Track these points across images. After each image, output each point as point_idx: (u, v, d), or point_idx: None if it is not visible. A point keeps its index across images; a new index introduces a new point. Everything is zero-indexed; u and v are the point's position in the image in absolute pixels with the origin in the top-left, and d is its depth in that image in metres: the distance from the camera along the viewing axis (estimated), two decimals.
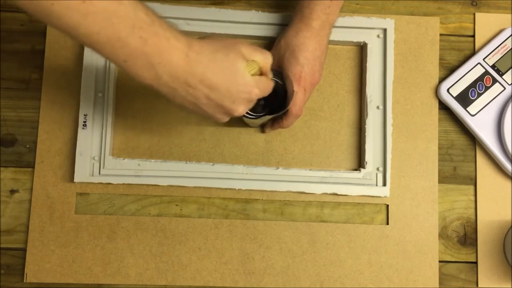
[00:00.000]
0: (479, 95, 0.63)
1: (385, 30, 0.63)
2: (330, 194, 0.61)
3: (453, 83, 0.63)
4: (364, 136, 0.61)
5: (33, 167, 0.61)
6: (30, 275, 0.59)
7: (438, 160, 0.63)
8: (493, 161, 0.63)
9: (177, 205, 0.61)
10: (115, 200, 0.61)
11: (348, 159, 0.63)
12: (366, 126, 0.61)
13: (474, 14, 0.66)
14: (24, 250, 0.60)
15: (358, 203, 0.62)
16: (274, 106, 0.55)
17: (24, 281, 0.59)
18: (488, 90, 0.63)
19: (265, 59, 0.46)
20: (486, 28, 0.65)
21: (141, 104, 0.62)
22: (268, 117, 0.56)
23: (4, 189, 0.61)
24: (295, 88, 0.55)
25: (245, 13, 0.62)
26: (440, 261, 0.61)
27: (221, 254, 0.60)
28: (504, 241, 0.62)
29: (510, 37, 0.63)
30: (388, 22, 0.63)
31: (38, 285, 0.59)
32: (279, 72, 0.55)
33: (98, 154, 0.60)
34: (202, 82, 0.42)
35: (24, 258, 0.59)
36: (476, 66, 0.63)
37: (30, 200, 0.60)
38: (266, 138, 0.63)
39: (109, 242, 0.60)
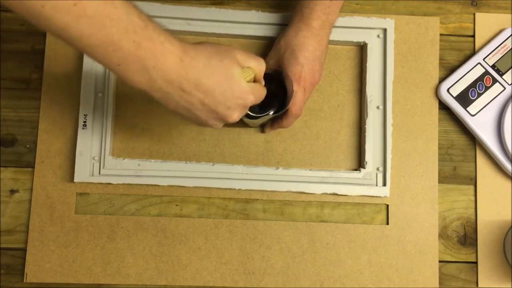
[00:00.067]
0: (479, 95, 0.63)
1: (385, 30, 0.63)
2: (330, 194, 0.61)
3: (453, 83, 0.63)
4: (364, 136, 0.61)
5: (33, 167, 0.61)
6: (30, 275, 0.59)
7: (438, 160, 0.63)
8: (493, 161, 0.63)
9: (177, 205, 0.61)
10: (115, 200, 0.61)
11: (348, 159, 0.63)
12: (366, 126, 0.61)
13: (474, 14, 0.66)
14: (24, 250, 0.60)
15: (358, 203, 0.62)
16: (274, 106, 0.55)
17: (24, 281, 0.59)
18: (488, 90, 0.63)
19: (259, 66, 0.46)
20: (486, 28, 0.65)
21: (141, 104, 0.62)
22: (268, 117, 0.55)
23: (4, 189, 0.61)
24: (295, 88, 0.55)
25: (245, 13, 0.62)
26: (440, 261, 0.61)
27: (221, 254, 0.60)
28: (504, 241, 0.62)
29: (510, 37, 0.63)
30: (388, 22, 0.63)
31: (38, 285, 0.59)
32: (279, 72, 0.55)
33: (98, 154, 0.60)
34: (197, 87, 0.42)
35: (24, 258, 0.59)
36: (476, 66, 0.63)
37: (30, 200, 0.60)
38: (266, 138, 0.63)
39: (109, 242, 0.60)
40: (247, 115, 0.54)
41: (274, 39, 0.60)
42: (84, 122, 0.60)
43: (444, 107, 0.64)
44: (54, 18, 0.36)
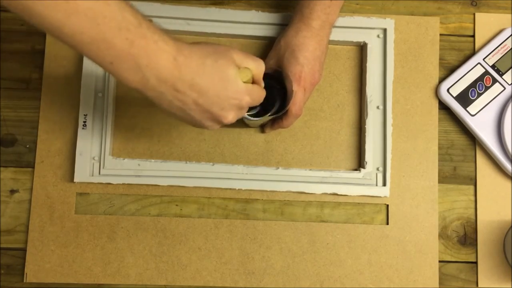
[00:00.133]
0: (479, 95, 0.63)
1: (385, 30, 0.63)
2: (330, 194, 0.61)
3: (453, 83, 0.63)
4: (364, 136, 0.61)
5: (33, 167, 0.61)
6: (30, 275, 0.59)
7: (438, 160, 0.63)
8: (493, 161, 0.63)
9: (177, 205, 0.61)
10: (115, 200, 0.61)
11: (348, 159, 0.63)
12: (366, 126, 0.61)
13: (474, 14, 0.66)
14: (24, 250, 0.60)
15: (358, 203, 0.62)
16: (274, 106, 0.55)
17: (24, 281, 0.59)
18: (488, 90, 0.63)
19: (258, 67, 0.46)
20: (486, 28, 0.65)
21: (141, 104, 0.62)
22: (268, 117, 0.55)
23: (4, 189, 0.61)
24: (295, 88, 0.55)
25: (245, 13, 0.62)
26: (440, 261, 0.61)
27: (221, 254, 0.60)
28: (504, 241, 0.62)
29: (510, 37, 0.63)
30: (388, 22, 0.63)
31: (38, 285, 0.59)
32: (279, 72, 0.55)
33: (98, 154, 0.60)
34: (191, 87, 0.41)
35: (24, 258, 0.59)
36: (476, 66, 0.63)
37: (30, 200, 0.60)
38: (266, 138, 0.63)
39: (109, 242, 0.60)
40: (247, 116, 0.54)
41: (274, 39, 0.60)
42: (84, 122, 0.60)
43: (444, 107, 0.64)
44: (46, 15, 0.35)
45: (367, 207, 0.62)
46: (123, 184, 0.60)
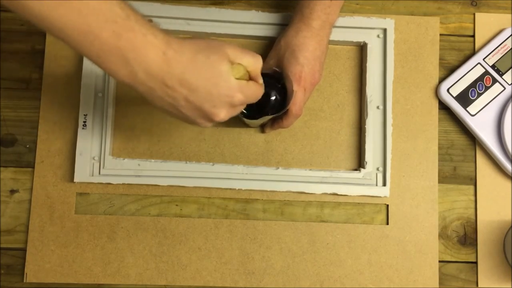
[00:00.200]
0: (479, 95, 0.63)
1: (385, 30, 0.63)
2: (330, 194, 0.61)
3: (453, 83, 0.63)
4: (364, 136, 0.61)
5: (33, 167, 0.61)
6: (30, 275, 0.59)
7: (438, 160, 0.63)
8: (493, 161, 0.63)
9: (177, 205, 0.61)
10: (115, 200, 0.61)
11: (348, 159, 0.63)
12: (366, 126, 0.61)
13: (474, 14, 0.66)
14: (24, 250, 0.60)
15: (358, 203, 0.62)
16: (274, 106, 0.55)
17: (24, 281, 0.59)
18: (488, 90, 0.63)
19: (254, 63, 0.44)
20: (486, 28, 0.65)
21: (141, 104, 0.62)
22: (268, 117, 0.55)
23: (4, 189, 0.61)
24: (295, 88, 0.55)
25: (245, 13, 0.62)
26: (440, 261, 0.61)
27: (221, 254, 0.60)
28: (504, 241, 0.62)
29: (510, 37, 0.63)
30: (388, 22, 0.63)
31: (38, 285, 0.59)
32: (279, 72, 0.55)
33: (98, 154, 0.60)
34: (181, 83, 0.40)
35: (24, 258, 0.59)
36: (476, 66, 0.63)
37: (30, 200, 0.60)
38: (266, 138, 0.63)
39: (109, 242, 0.60)
40: (247, 116, 0.54)
41: (274, 39, 0.60)
42: (84, 122, 0.60)
43: (444, 107, 0.64)
44: (33, 7, 0.35)
45: (367, 207, 0.62)
46: (123, 184, 0.60)
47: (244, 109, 0.54)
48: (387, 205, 0.62)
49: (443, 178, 0.63)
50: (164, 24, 0.60)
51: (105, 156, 0.60)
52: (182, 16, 0.61)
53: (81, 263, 0.59)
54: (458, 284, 0.61)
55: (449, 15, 0.66)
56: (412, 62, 0.64)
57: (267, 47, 0.63)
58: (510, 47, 0.63)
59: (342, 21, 0.61)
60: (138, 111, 0.62)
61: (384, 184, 0.61)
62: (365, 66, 0.62)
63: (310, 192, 0.60)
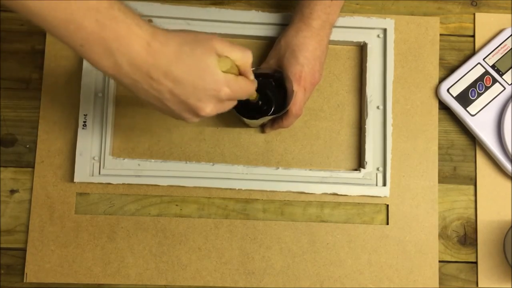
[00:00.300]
0: (479, 95, 0.63)
1: (385, 30, 0.63)
2: (330, 194, 0.61)
3: (453, 83, 0.63)
4: (364, 136, 0.61)
5: (33, 167, 0.61)
6: (30, 275, 0.59)
7: (438, 160, 0.63)
8: (493, 161, 0.63)
9: (177, 205, 0.61)
10: (115, 200, 0.61)
11: (348, 159, 0.63)
12: (366, 126, 0.61)
13: (474, 14, 0.66)
14: (24, 250, 0.60)
15: (358, 203, 0.62)
16: (273, 106, 0.55)
17: (24, 281, 0.59)
18: (488, 90, 0.63)
19: (243, 57, 0.43)
20: (486, 28, 0.65)
21: (141, 104, 0.62)
22: (268, 117, 0.55)
23: (4, 189, 0.61)
24: (295, 88, 0.55)
25: (245, 13, 0.62)
26: (440, 261, 0.61)
27: (221, 254, 0.60)
28: (504, 241, 0.62)
29: (510, 37, 0.63)
30: (388, 22, 0.63)
31: (38, 285, 0.59)
32: (279, 72, 0.55)
33: (98, 154, 0.60)
34: (166, 76, 0.39)
35: (24, 258, 0.59)
36: (476, 66, 0.63)
37: (30, 200, 0.60)
38: (266, 138, 0.63)
39: (109, 242, 0.60)
40: (247, 116, 0.54)
41: (274, 39, 0.60)
42: (84, 122, 0.60)
43: (444, 107, 0.64)
44: None
45: (367, 207, 0.62)
46: (123, 184, 0.60)
47: (244, 109, 0.54)
48: (387, 205, 0.62)
49: (443, 178, 0.63)
50: (164, 24, 0.60)
51: (105, 156, 0.60)
52: (182, 16, 0.61)
53: (81, 263, 0.59)
54: (458, 284, 0.61)
55: (449, 15, 0.66)
56: (412, 62, 0.64)
57: (267, 47, 0.63)
58: (510, 47, 0.63)
59: (342, 21, 0.61)
60: (138, 111, 0.62)
61: (384, 184, 0.61)
62: (365, 66, 0.62)
63: (310, 192, 0.60)
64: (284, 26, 0.60)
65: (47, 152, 0.61)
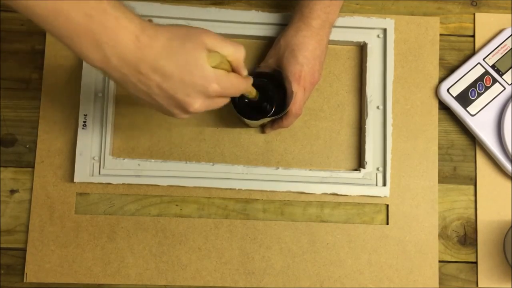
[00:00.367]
0: (479, 95, 0.63)
1: (385, 30, 0.63)
2: (330, 194, 0.61)
3: (453, 83, 0.63)
4: (364, 136, 0.61)
5: (33, 167, 0.61)
6: (30, 275, 0.59)
7: (438, 160, 0.63)
8: (493, 161, 0.63)
9: (177, 205, 0.61)
10: (115, 200, 0.61)
11: (348, 159, 0.63)
12: (366, 126, 0.61)
13: (474, 14, 0.66)
14: (24, 250, 0.60)
15: (358, 203, 0.62)
16: (273, 106, 0.55)
17: (24, 281, 0.59)
18: (488, 90, 0.63)
19: (235, 53, 0.42)
20: (486, 28, 0.65)
21: (141, 104, 0.62)
22: (268, 118, 0.55)
23: (4, 189, 0.61)
24: (295, 87, 0.55)
25: (245, 13, 0.62)
26: (440, 261, 0.61)
27: (221, 254, 0.60)
28: (504, 241, 0.62)
29: (510, 37, 0.63)
30: (388, 22, 0.63)
31: (38, 285, 0.59)
32: (279, 72, 0.55)
33: (98, 154, 0.60)
34: (154, 70, 0.39)
35: (24, 258, 0.59)
36: (476, 66, 0.63)
37: (30, 200, 0.60)
38: (266, 138, 0.63)
39: (109, 242, 0.60)
40: (247, 116, 0.54)
41: (274, 39, 0.60)
42: (84, 122, 0.60)
43: (444, 107, 0.64)
44: None
45: (367, 207, 0.62)
46: (123, 184, 0.60)
47: (245, 110, 0.54)
48: (387, 205, 0.62)
49: (443, 178, 0.63)
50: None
51: (105, 156, 0.60)
52: (182, 16, 0.61)
53: (81, 263, 0.59)
54: (458, 284, 0.61)
55: (449, 15, 0.66)
56: (412, 62, 0.64)
57: (267, 47, 0.63)
58: (510, 47, 0.63)
59: (342, 21, 0.61)
60: (138, 111, 0.62)
61: (384, 184, 0.61)
62: (365, 66, 0.62)
63: (310, 192, 0.60)
64: (284, 26, 0.60)
65: (47, 152, 0.61)
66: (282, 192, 0.61)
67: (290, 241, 0.61)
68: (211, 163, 0.61)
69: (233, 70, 0.43)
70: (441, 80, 0.64)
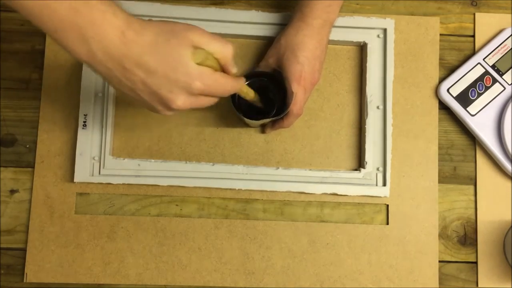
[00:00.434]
0: (479, 95, 0.63)
1: (385, 30, 0.63)
2: (330, 194, 0.61)
3: (453, 83, 0.63)
4: (364, 136, 0.61)
5: (33, 167, 0.61)
6: (30, 275, 0.59)
7: (438, 160, 0.63)
8: (493, 161, 0.63)
9: (177, 205, 0.61)
10: (115, 200, 0.61)
11: (348, 159, 0.63)
12: (366, 126, 0.61)
13: (474, 14, 0.66)
14: (24, 250, 0.60)
15: (358, 203, 0.62)
16: (274, 107, 0.55)
17: (24, 281, 0.59)
18: (488, 90, 0.63)
19: (222, 50, 0.41)
20: (486, 28, 0.65)
21: None
22: (269, 119, 0.55)
23: (4, 189, 0.61)
24: (295, 87, 0.54)
25: (245, 13, 0.62)
26: (440, 261, 0.61)
27: (221, 254, 0.60)
28: (504, 241, 0.62)
29: (510, 37, 0.63)
30: (388, 22, 0.63)
31: (38, 285, 0.59)
32: (279, 72, 0.55)
33: (98, 154, 0.60)
34: (138, 66, 0.39)
35: (24, 258, 0.59)
36: (476, 66, 0.63)
37: (30, 200, 0.60)
38: (266, 138, 0.63)
39: (109, 242, 0.60)
40: (249, 117, 0.54)
41: (274, 39, 0.60)
42: (84, 122, 0.60)
43: (444, 107, 0.64)
44: None
45: (367, 207, 0.62)
46: (123, 184, 0.60)
47: (245, 110, 0.54)
48: (387, 205, 0.62)
49: (443, 178, 0.63)
50: None
51: (105, 156, 0.60)
52: (182, 16, 0.61)
53: (81, 263, 0.59)
54: (458, 284, 0.61)
55: (449, 15, 0.66)
56: (412, 62, 0.64)
57: (267, 47, 0.62)
58: (510, 47, 0.63)
59: (342, 21, 0.61)
60: (138, 111, 0.62)
61: (384, 184, 0.61)
62: (365, 66, 0.62)
63: (310, 192, 0.60)
64: (284, 26, 0.60)
65: (47, 152, 0.61)
66: (282, 192, 0.61)
67: (290, 241, 0.61)
68: (211, 163, 0.61)
69: (222, 68, 0.43)
70: (441, 80, 0.64)
